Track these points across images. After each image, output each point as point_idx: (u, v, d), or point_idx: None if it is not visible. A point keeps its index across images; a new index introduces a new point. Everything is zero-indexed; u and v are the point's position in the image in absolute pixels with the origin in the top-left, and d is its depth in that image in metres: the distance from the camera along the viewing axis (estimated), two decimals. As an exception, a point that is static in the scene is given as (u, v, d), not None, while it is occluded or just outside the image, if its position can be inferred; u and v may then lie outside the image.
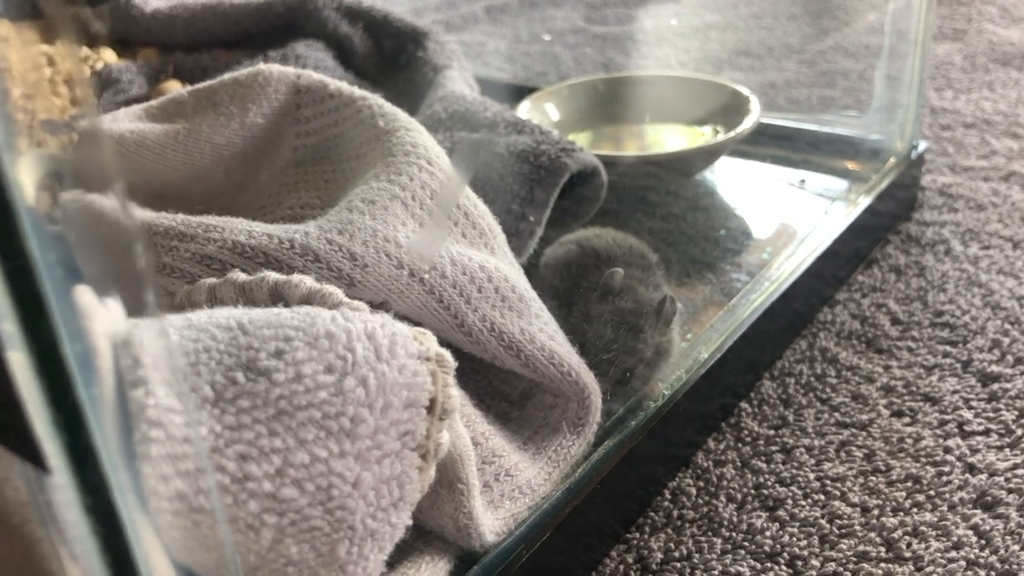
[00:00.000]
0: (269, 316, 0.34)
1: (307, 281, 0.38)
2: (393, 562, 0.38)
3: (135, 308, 0.28)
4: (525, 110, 0.81)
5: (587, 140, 0.82)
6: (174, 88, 0.70)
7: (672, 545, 0.48)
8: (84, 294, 0.25)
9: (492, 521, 0.41)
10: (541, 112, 0.82)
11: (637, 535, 0.49)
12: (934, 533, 0.47)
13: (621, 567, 0.47)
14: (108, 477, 0.23)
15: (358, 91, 0.56)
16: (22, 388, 0.22)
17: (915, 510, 0.49)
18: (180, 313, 0.36)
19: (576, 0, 1.39)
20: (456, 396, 0.36)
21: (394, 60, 0.90)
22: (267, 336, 0.33)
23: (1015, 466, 0.51)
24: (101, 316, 0.27)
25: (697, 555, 0.48)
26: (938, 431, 0.54)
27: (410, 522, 0.36)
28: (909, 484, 0.51)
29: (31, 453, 0.23)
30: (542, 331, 0.47)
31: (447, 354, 0.37)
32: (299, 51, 0.88)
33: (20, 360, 0.22)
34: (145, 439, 0.28)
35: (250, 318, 0.34)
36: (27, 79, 0.80)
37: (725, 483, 0.52)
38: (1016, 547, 0.46)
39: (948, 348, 0.61)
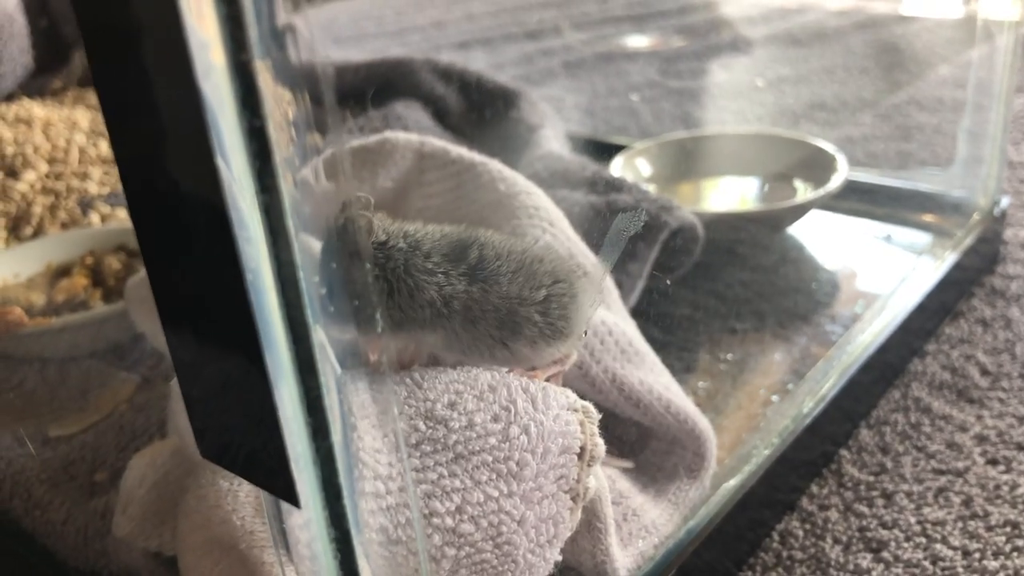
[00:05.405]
0: (437, 373, 0.39)
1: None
2: (538, 595, 0.42)
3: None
4: (618, 166, 0.85)
5: (678, 195, 0.86)
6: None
7: (782, 584, 0.51)
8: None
9: (624, 558, 0.45)
10: (633, 168, 0.86)
11: (749, 574, 0.52)
12: (1035, 577, 0.50)
13: (735, 604, 0.51)
14: (349, 512, 0.28)
15: (478, 156, 0.60)
16: (287, 433, 0.26)
17: (1015, 554, 0.51)
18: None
19: (650, 55, 1.44)
20: (602, 444, 0.40)
21: (487, 120, 0.95)
22: (440, 390, 0.38)
23: (1111, 514, 0.53)
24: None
25: (807, 594, 0.51)
26: (1033, 479, 0.57)
27: (560, 558, 0.40)
28: (1008, 529, 0.53)
29: (284, 490, 0.28)
30: (658, 382, 0.51)
31: (591, 406, 0.41)
32: (399, 111, 0.94)
33: (290, 404, 0.26)
34: (360, 477, 0.33)
35: (421, 375, 0.38)
36: (55, 158, 0.84)
37: (830, 526, 0.55)
38: (1117, 592, 0.48)
39: (1039, 399, 0.64)
